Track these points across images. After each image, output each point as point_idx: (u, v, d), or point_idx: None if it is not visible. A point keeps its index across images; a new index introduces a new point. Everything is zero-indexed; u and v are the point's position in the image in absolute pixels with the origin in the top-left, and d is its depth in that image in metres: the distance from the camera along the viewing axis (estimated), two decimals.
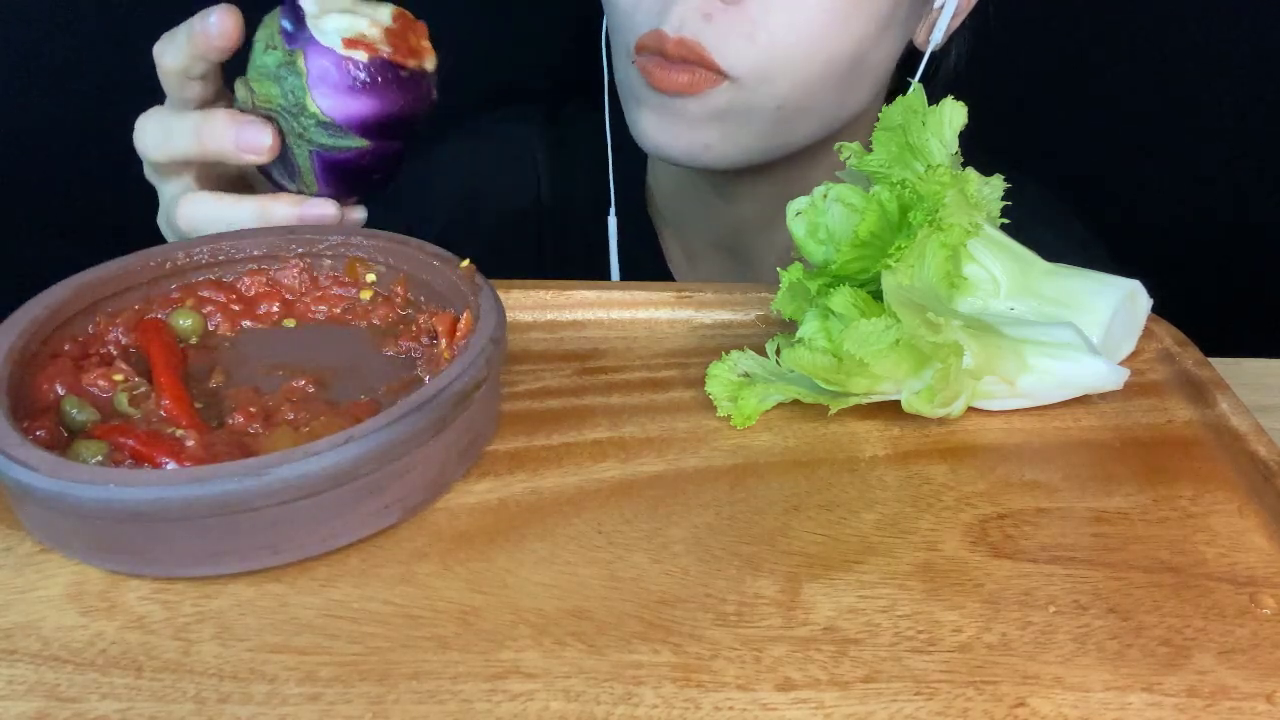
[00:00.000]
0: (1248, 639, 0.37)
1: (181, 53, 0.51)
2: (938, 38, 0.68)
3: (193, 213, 0.53)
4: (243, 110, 0.51)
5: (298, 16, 0.50)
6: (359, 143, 0.51)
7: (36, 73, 0.93)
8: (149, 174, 0.56)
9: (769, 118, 0.64)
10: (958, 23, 0.71)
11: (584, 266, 0.82)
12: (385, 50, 0.50)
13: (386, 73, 0.50)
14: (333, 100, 0.49)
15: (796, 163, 0.72)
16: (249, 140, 0.50)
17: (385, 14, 0.51)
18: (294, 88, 0.49)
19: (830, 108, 0.66)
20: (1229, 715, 0.34)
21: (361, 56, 0.49)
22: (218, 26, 0.50)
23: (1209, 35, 1.01)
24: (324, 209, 0.53)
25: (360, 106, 0.50)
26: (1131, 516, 0.43)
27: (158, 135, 0.52)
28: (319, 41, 0.49)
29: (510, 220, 0.84)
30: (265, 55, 0.50)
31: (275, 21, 0.50)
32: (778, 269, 0.51)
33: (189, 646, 0.36)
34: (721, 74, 0.61)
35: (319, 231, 0.51)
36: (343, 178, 0.52)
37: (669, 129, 0.64)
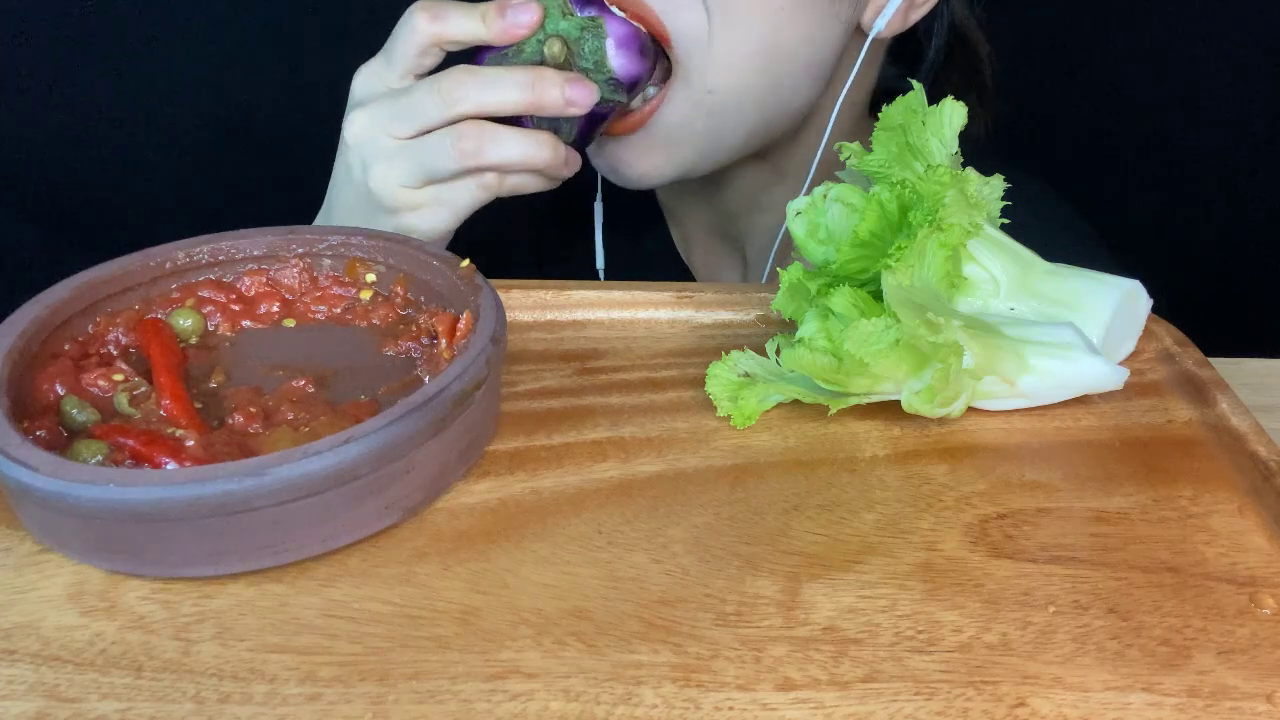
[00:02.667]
0: (1248, 639, 0.37)
1: (465, 28, 0.57)
2: (879, 24, 0.67)
3: (485, 139, 0.57)
4: (551, 63, 0.58)
5: None
6: (622, 98, 0.59)
7: (35, 74, 0.93)
8: (380, 130, 0.58)
9: (703, 110, 0.64)
10: (919, 13, 0.69)
11: (585, 254, 0.83)
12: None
13: (650, 41, 0.59)
14: (623, 61, 0.58)
15: (770, 154, 0.73)
16: (577, 96, 0.56)
17: None
18: (595, 49, 0.58)
19: (761, 95, 0.65)
20: (1229, 715, 0.34)
21: (641, 26, 0.58)
22: (533, 20, 0.57)
23: (1210, 35, 1.01)
24: (577, 161, 0.60)
25: (639, 68, 0.58)
26: (1131, 516, 0.43)
27: (479, 88, 0.56)
28: (612, 12, 0.58)
29: (517, 205, 0.85)
30: (563, 21, 0.58)
31: None
32: (778, 269, 0.51)
33: (189, 646, 0.36)
34: (665, 42, 0.62)
35: (318, 231, 0.52)
36: (592, 127, 0.60)
37: (616, 164, 0.68)
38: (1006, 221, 0.51)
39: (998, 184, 0.51)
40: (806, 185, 0.72)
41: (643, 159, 0.66)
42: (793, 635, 0.37)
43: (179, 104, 0.97)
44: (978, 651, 0.36)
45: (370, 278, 0.51)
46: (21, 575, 0.39)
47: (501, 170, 0.58)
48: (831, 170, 0.60)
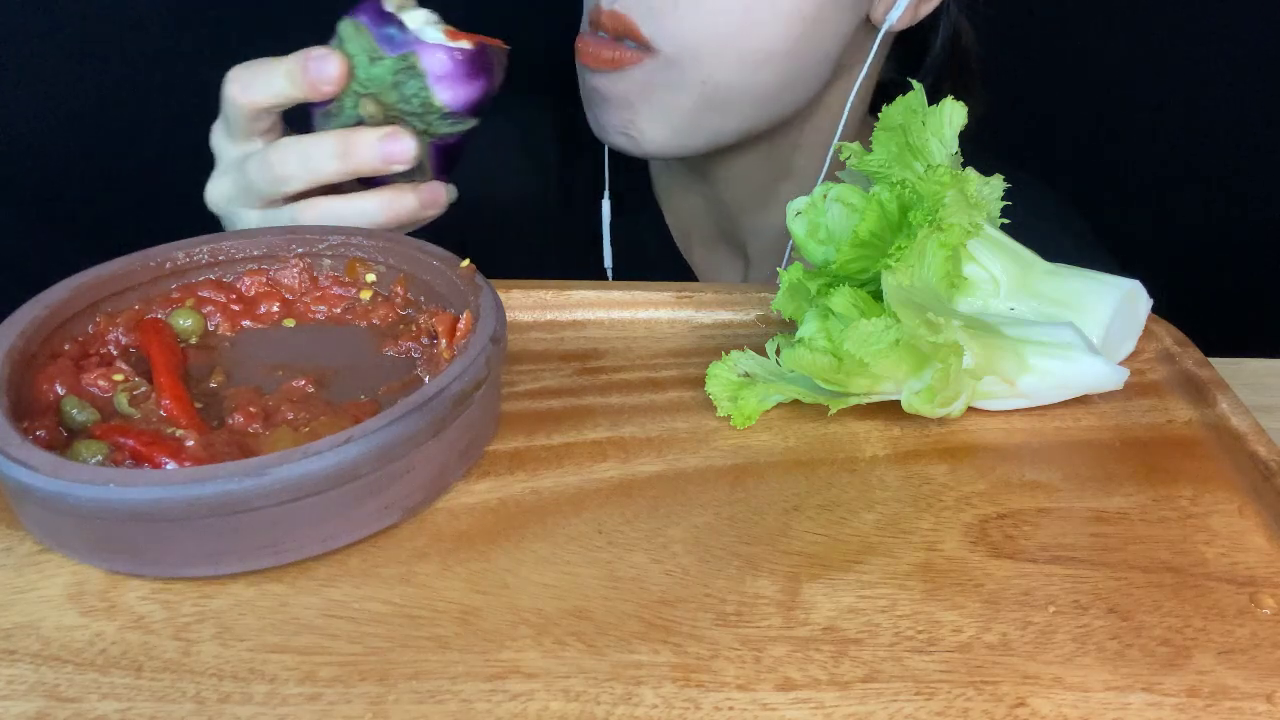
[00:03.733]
0: (1248, 639, 0.37)
1: (275, 91, 0.52)
2: (893, 17, 0.67)
3: (323, 216, 0.54)
4: (371, 123, 0.53)
5: (388, 20, 0.52)
6: (470, 123, 0.54)
7: (36, 74, 0.93)
8: (232, 186, 0.56)
9: (695, 95, 0.64)
10: (929, 6, 0.69)
11: (588, 251, 0.82)
12: (464, 37, 0.53)
13: (484, 55, 0.53)
14: (453, 91, 0.52)
15: (772, 148, 0.72)
16: (395, 153, 0.52)
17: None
18: (417, 90, 0.52)
19: (768, 91, 0.65)
20: (1229, 715, 0.34)
21: (466, 45, 0.52)
22: (335, 74, 0.51)
23: (1210, 35, 1.01)
24: (441, 193, 0.55)
25: (474, 91, 0.53)
26: (1131, 516, 0.43)
27: (301, 163, 0.53)
28: (425, 41, 0.52)
29: (522, 205, 0.85)
30: (374, 67, 0.52)
31: (363, 33, 0.52)
32: (777, 269, 0.51)
33: (189, 646, 0.36)
34: (648, 47, 0.62)
35: (319, 231, 0.52)
36: (450, 158, 0.56)
37: (598, 112, 0.66)
38: (1006, 221, 0.51)
39: (998, 184, 0.51)
40: (820, 181, 0.71)
41: (633, 124, 0.65)
42: (793, 635, 0.37)
43: (179, 104, 0.97)
44: (978, 651, 0.36)
45: (370, 278, 0.51)
46: (21, 575, 0.39)
47: None
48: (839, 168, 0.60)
